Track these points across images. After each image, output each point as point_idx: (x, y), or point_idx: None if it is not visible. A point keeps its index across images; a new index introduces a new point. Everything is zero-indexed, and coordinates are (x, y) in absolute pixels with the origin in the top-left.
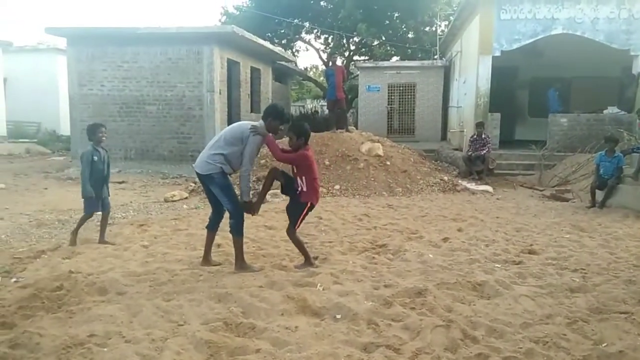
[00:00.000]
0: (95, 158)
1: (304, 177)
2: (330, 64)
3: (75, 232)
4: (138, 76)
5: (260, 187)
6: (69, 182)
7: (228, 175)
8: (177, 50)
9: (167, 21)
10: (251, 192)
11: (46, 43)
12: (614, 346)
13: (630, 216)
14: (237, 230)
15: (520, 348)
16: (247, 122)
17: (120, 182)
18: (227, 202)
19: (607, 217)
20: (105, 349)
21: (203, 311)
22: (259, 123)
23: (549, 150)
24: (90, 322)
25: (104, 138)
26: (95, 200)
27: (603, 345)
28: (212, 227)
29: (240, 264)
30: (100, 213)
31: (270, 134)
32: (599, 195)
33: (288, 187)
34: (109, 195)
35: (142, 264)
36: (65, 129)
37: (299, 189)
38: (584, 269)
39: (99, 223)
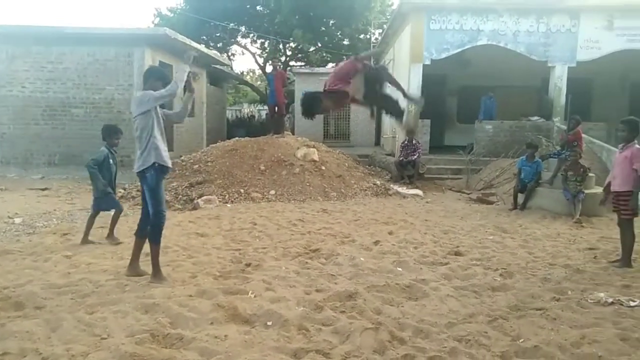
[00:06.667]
0: (111, 161)
1: None
2: (271, 69)
3: (86, 235)
4: (63, 77)
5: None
6: None
7: (161, 176)
8: (106, 51)
9: (96, 21)
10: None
11: None
12: (530, 341)
13: (547, 217)
14: (154, 236)
15: (445, 347)
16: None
17: (43, 189)
18: (152, 204)
19: (527, 218)
20: None
21: (129, 323)
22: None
23: (476, 155)
24: (4, 340)
25: (117, 142)
26: (107, 199)
27: (520, 341)
28: (141, 233)
29: (155, 273)
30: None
31: None
32: (521, 198)
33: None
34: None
35: (64, 275)
36: None
37: None
38: (505, 269)
39: (17, 232)
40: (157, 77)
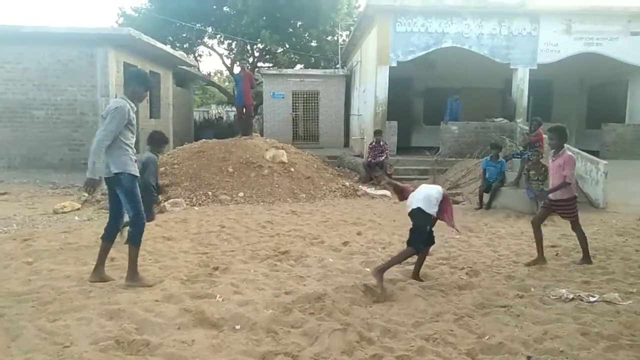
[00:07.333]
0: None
1: None
2: (239, 70)
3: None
4: (23, 78)
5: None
6: None
7: (136, 178)
8: (68, 51)
9: (57, 21)
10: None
11: None
12: (495, 338)
13: (511, 216)
14: (135, 239)
15: (412, 346)
16: (115, 101)
17: (2, 194)
18: (131, 207)
19: (492, 217)
20: None
21: (93, 330)
22: (122, 96)
23: (442, 156)
24: None
25: (163, 151)
26: None
27: (485, 338)
28: (108, 237)
29: (132, 275)
30: None
31: None
32: (486, 197)
33: None
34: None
35: (25, 282)
36: None
37: None
38: (470, 267)
39: None
40: (139, 82)
